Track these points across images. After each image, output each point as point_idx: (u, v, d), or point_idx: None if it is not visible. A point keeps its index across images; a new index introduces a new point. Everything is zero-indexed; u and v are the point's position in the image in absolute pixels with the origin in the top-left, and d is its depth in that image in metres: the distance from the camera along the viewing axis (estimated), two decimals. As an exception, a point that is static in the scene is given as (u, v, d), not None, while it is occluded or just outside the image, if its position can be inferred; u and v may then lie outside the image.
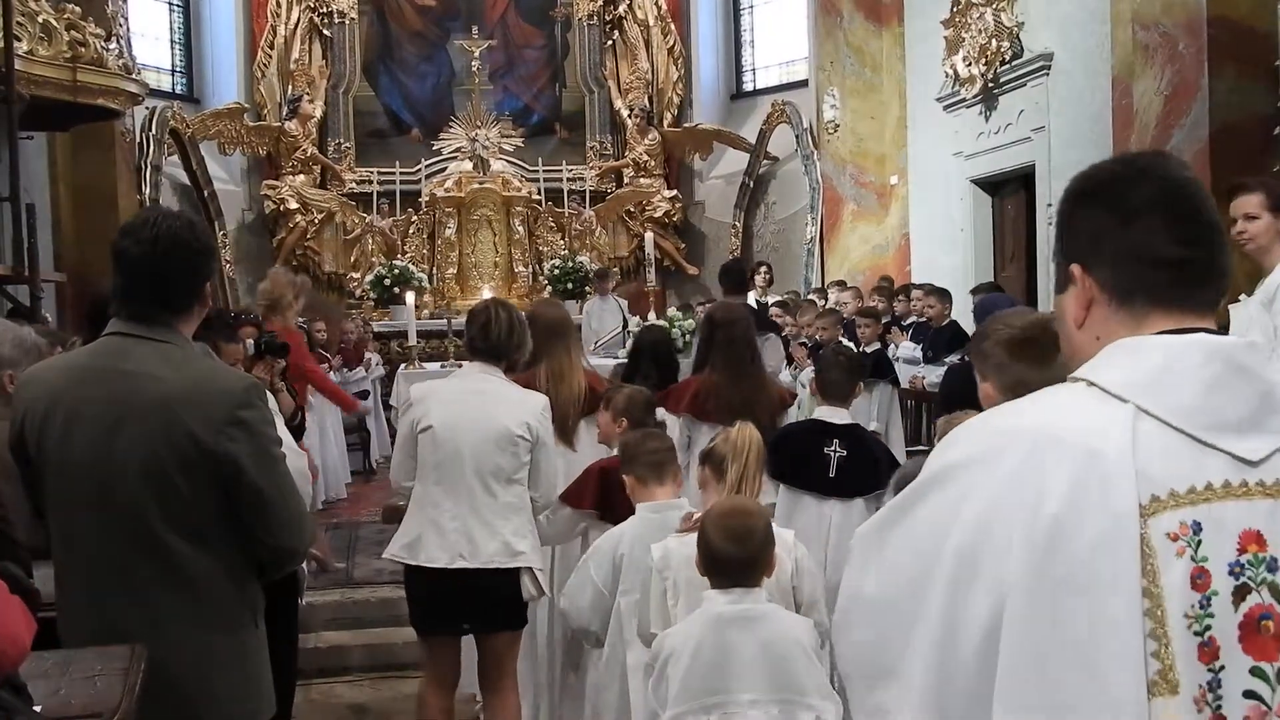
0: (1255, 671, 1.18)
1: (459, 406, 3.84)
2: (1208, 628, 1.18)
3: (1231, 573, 1.19)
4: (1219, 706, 1.18)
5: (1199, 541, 1.19)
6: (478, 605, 3.84)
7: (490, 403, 3.85)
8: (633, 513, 3.74)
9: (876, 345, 7.77)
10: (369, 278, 13.52)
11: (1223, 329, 4.46)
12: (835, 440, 4.11)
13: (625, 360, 5.82)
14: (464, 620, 3.91)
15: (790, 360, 8.37)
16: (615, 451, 3.85)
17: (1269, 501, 1.21)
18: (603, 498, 3.91)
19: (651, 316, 9.60)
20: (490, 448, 3.80)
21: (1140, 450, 1.20)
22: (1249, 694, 1.18)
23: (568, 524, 4.04)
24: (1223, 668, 1.18)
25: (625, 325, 10.19)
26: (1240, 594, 1.19)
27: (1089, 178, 1.37)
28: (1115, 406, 1.23)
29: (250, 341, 4.63)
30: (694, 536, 2.91)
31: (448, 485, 3.80)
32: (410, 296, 9.75)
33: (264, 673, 2.57)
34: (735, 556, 2.65)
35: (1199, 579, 1.18)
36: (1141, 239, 1.29)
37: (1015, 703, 1.16)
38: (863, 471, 4.11)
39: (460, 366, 9.01)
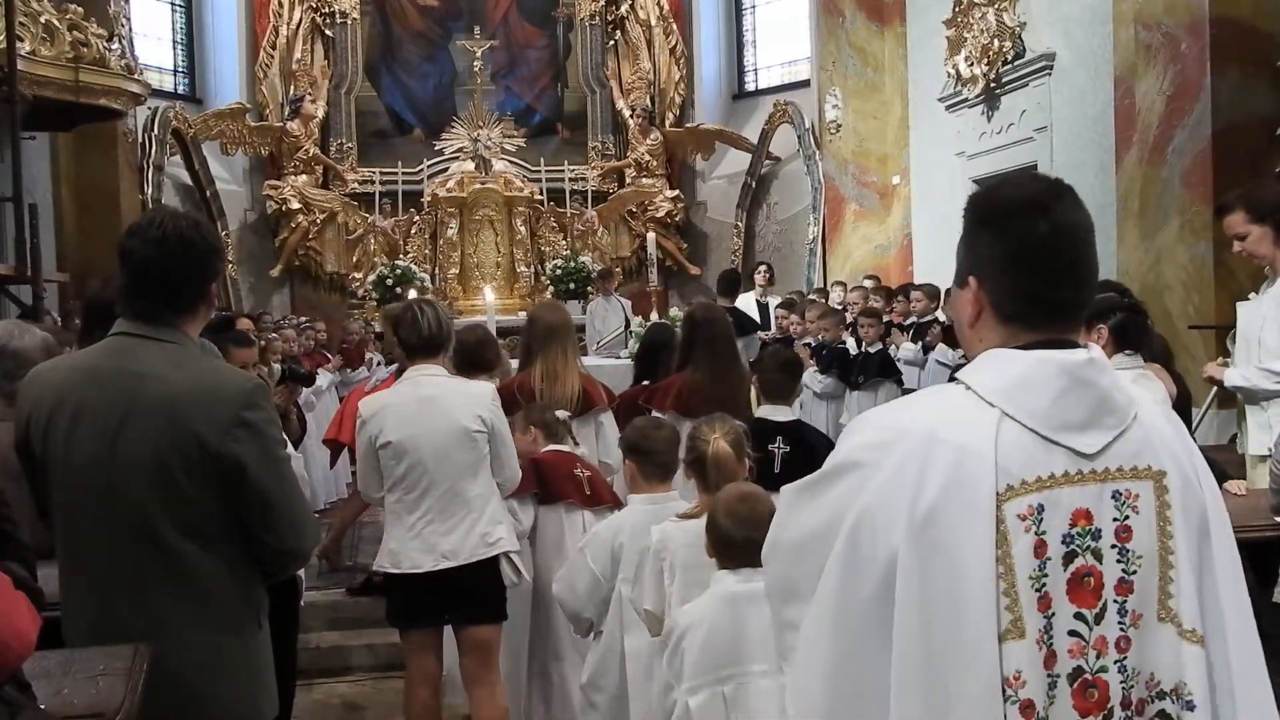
0: (1077, 615, 1.52)
1: (413, 417, 3.95)
2: (1044, 585, 1.51)
3: (1063, 542, 1.52)
4: (1051, 643, 1.51)
5: (1040, 520, 1.51)
6: (460, 598, 3.99)
7: (442, 406, 3.97)
8: (575, 490, 4.24)
9: (879, 345, 7.78)
10: (371, 278, 13.51)
11: (1228, 326, 4.47)
12: (779, 437, 4.24)
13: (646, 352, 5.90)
14: (445, 613, 4.05)
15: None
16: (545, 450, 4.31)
17: (1098, 485, 1.53)
18: (541, 482, 4.24)
19: (654, 317, 9.59)
20: (452, 450, 3.94)
21: (1001, 448, 1.51)
22: (1072, 633, 1.52)
23: (526, 515, 4.26)
24: (1054, 614, 1.51)
25: (628, 325, 10.18)
26: (1069, 558, 1.52)
27: (992, 205, 1.62)
28: (984, 410, 1.53)
29: (277, 366, 4.75)
30: (692, 522, 3.09)
31: (419, 493, 3.95)
32: (412, 296, 9.74)
33: (267, 673, 2.57)
34: (743, 539, 2.76)
35: (1039, 548, 1.51)
36: (1027, 280, 1.56)
37: (906, 643, 1.48)
38: (804, 465, 4.25)
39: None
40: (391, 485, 3.98)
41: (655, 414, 4.66)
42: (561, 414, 4.48)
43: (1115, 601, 1.53)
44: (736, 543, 2.79)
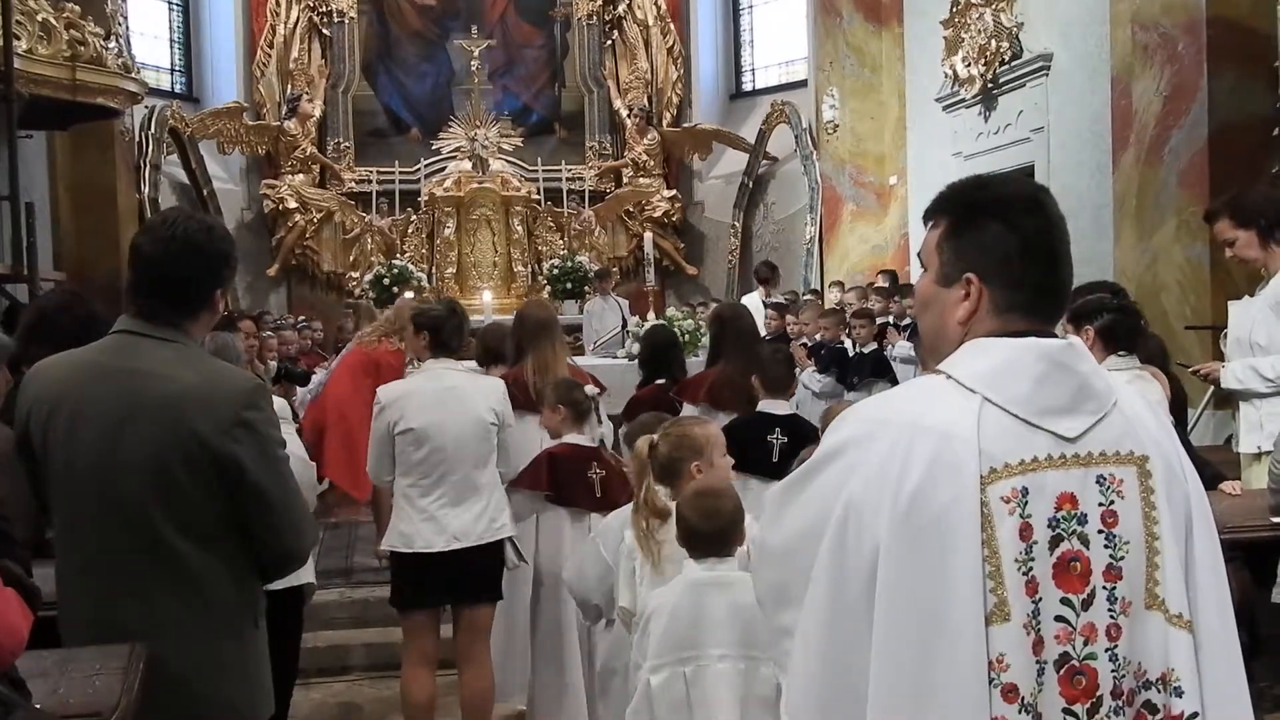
0: (1064, 601, 1.52)
1: (437, 406, 4.18)
2: (1030, 569, 1.50)
3: (1049, 525, 1.52)
4: (1039, 629, 1.50)
5: (1025, 502, 1.51)
6: (465, 579, 4.20)
7: (463, 397, 4.23)
8: (585, 495, 4.29)
9: (873, 345, 7.77)
10: (368, 277, 13.50)
11: (1219, 327, 4.50)
12: (777, 429, 4.53)
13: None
14: (449, 593, 4.25)
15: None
16: (563, 439, 4.32)
17: (1081, 469, 1.54)
18: (553, 482, 4.31)
19: (651, 316, 9.59)
20: (471, 439, 4.20)
21: (984, 432, 1.51)
22: (1059, 618, 1.51)
23: (523, 506, 4.39)
24: (1041, 599, 1.50)
25: (624, 325, 10.17)
26: (1055, 542, 1.52)
27: (994, 200, 1.64)
28: (966, 396, 1.54)
29: (274, 364, 4.82)
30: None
31: (435, 478, 4.17)
32: (409, 295, 9.74)
33: (264, 673, 2.57)
34: (707, 531, 2.90)
35: (1025, 532, 1.51)
36: (1030, 269, 1.60)
37: (889, 628, 1.49)
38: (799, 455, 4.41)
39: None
40: (406, 470, 4.17)
41: (686, 406, 4.95)
42: (591, 390, 4.51)
43: (1104, 588, 1.53)
44: (702, 535, 2.91)
